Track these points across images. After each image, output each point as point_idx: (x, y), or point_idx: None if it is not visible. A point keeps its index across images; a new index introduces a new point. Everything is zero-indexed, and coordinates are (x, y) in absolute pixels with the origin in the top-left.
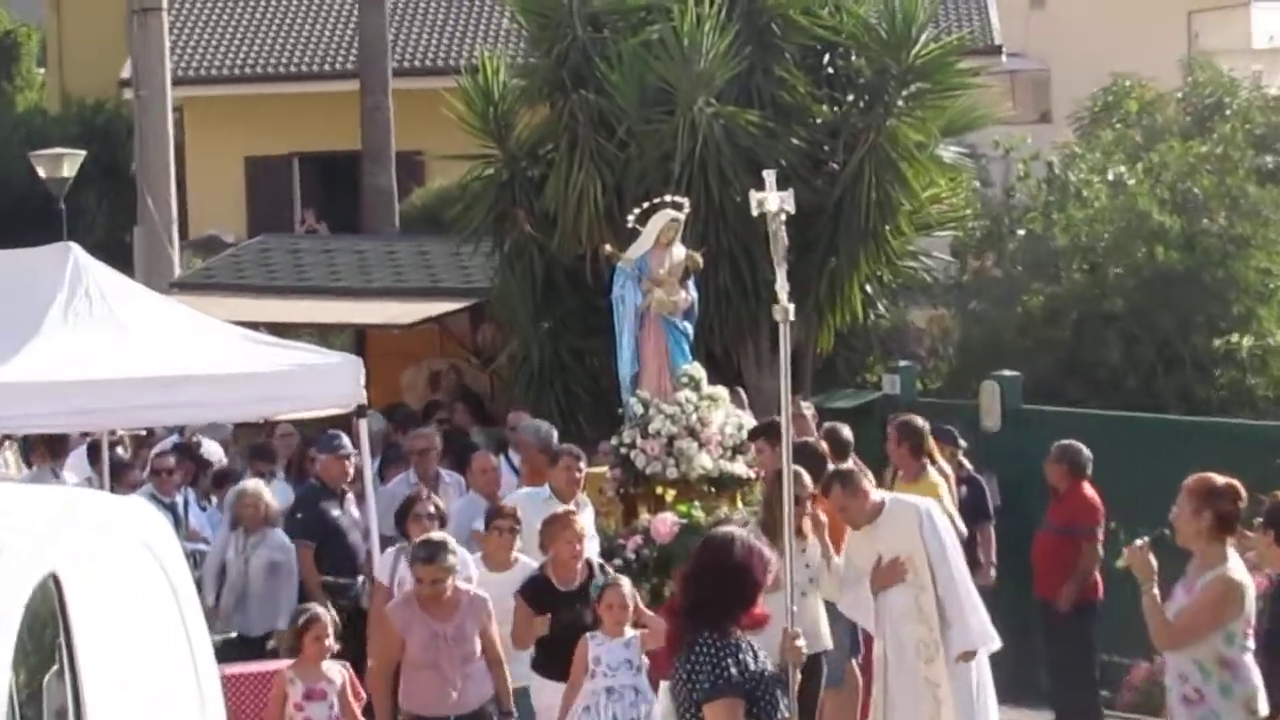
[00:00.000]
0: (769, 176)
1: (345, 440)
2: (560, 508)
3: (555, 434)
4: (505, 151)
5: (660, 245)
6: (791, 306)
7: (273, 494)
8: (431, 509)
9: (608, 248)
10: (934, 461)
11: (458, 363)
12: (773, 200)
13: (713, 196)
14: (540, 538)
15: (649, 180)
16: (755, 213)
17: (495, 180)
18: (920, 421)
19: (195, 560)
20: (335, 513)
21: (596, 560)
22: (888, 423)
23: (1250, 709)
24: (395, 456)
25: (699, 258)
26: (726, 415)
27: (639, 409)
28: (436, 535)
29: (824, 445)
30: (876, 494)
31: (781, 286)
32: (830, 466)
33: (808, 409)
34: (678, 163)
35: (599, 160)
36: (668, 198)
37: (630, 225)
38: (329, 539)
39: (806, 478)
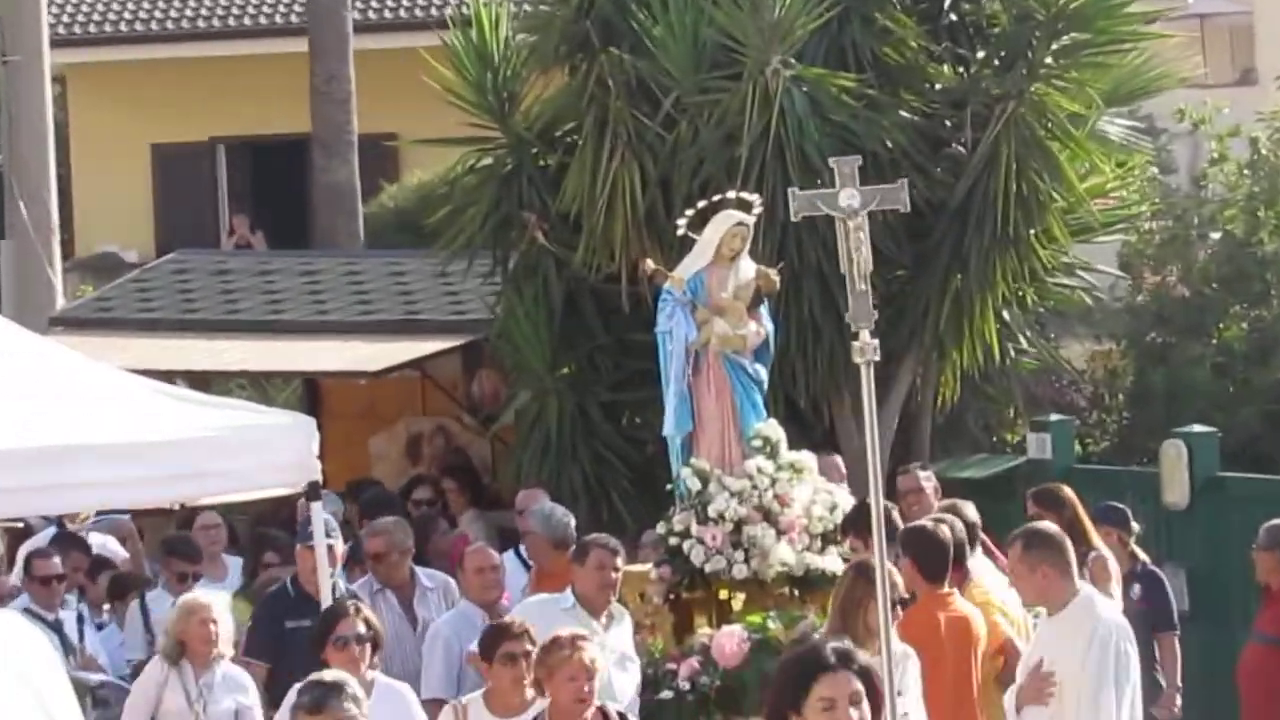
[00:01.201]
0: (842, 167)
1: (328, 519)
2: (577, 626)
3: (573, 521)
4: (509, 133)
5: (722, 260)
6: (875, 343)
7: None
8: (362, 627)
9: (650, 264)
10: (1086, 542)
11: (446, 423)
12: (847, 197)
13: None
14: (535, 671)
15: (706, 171)
16: (795, 217)
17: (496, 173)
18: (1067, 493)
19: (93, 699)
20: (307, 624)
21: (617, 710)
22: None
23: None
24: (359, 554)
25: (775, 276)
26: (815, 492)
27: (694, 484)
28: (331, 675)
29: (945, 530)
30: (1076, 583)
31: (862, 315)
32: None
33: (926, 480)
34: (745, 146)
35: (638, 144)
36: (731, 194)
37: (680, 233)
38: (288, 658)
39: (896, 576)
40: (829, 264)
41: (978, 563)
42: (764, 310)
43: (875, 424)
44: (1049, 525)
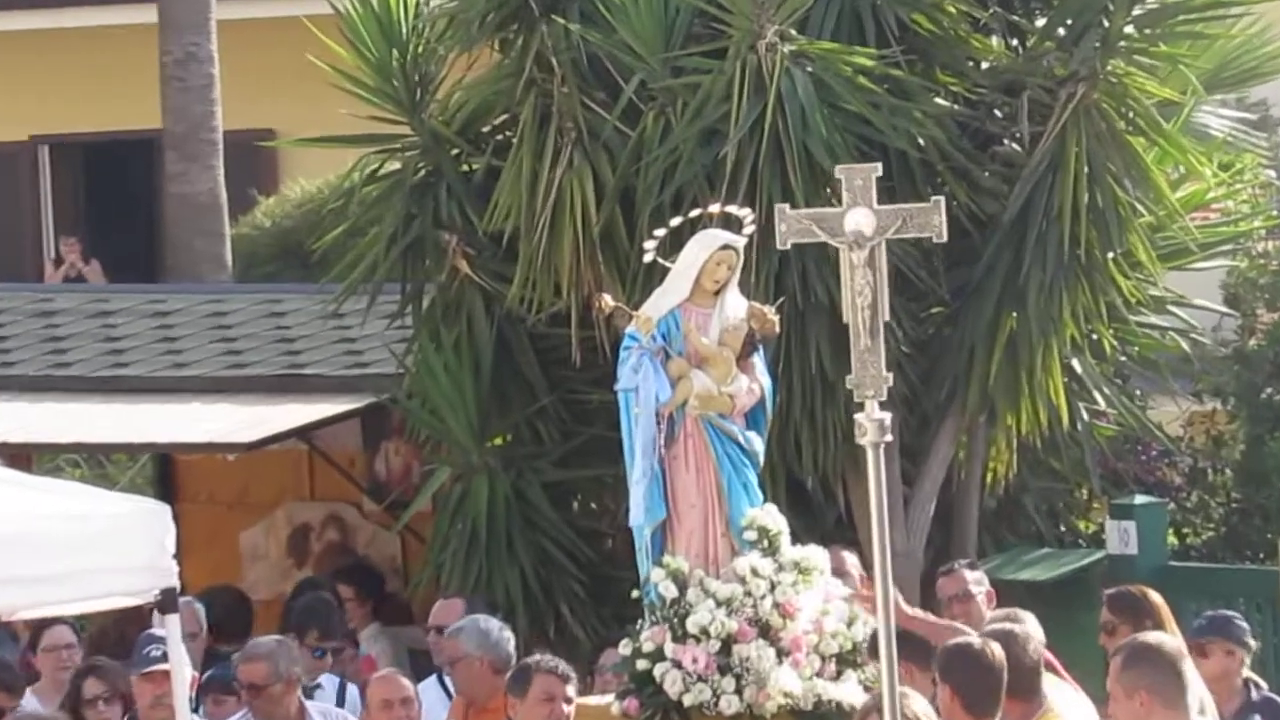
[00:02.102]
0: (852, 179)
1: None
2: None
3: (512, 639)
4: (422, 130)
5: (704, 295)
6: (885, 419)
7: None
8: None
9: (608, 300)
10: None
11: (342, 511)
12: (856, 219)
13: (796, 204)
14: None
15: (681, 177)
16: (782, 245)
17: (405, 181)
18: (1153, 599)
19: None
20: None
21: None
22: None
23: None
24: (223, 682)
25: (773, 316)
26: (827, 600)
27: (669, 590)
28: None
29: (995, 650)
30: (1188, 716)
31: (869, 381)
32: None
33: (975, 584)
34: (731, 145)
35: (591, 143)
36: (715, 208)
37: (648, 259)
38: None
39: (917, 705)
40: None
41: (1059, 692)
42: (759, 361)
43: (885, 518)
44: (1161, 638)
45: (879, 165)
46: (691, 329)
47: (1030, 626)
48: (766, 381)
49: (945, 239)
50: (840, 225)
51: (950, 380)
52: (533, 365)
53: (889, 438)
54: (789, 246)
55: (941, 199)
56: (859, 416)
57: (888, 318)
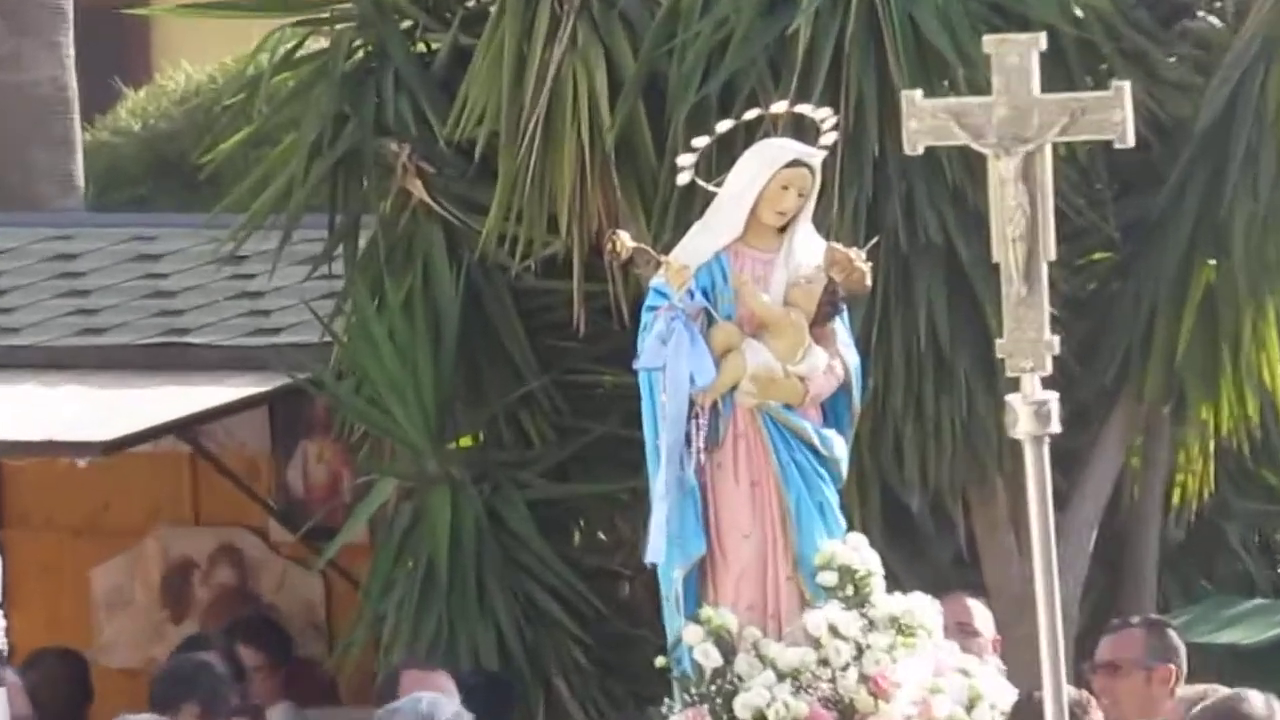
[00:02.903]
0: (1004, 53)
1: None
2: None
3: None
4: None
5: (763, 232)
6: (1050, 400)
7: None
8: None
9: (625, 240)
10: None
11: (239, 539)
12: (1010, 112)
13: (893, 101)
14: None
15: (734, 63)
16: (911, 148)
17: (334, 68)
18: None
19: None
20: None
21: None
22: None
23: None
24: None
25: (863, 265)
26: (939, 671)
27: (709, 656)
28: None
29: None
30: None
31: (1022, 348)
32: None
33: (1155, 650)
34: (805, 16)
35: (603, 10)
36: (779, 107)
37: (683, 180)
38: None
39: None
40: (967, 242)
41: None
42: (842, 328)
43: (1051, 545)
44: None
45: (1041, 37)
46: (746, 281)
47: (1255, 705)
48: (853, 358)
49: (1130, 143)
50: (988, 121)
51: (1120, 356)
52: (517, 333)
53: (1054, 427)
54: (919, 150)
55: (1126, 85)
56: (1012, 399)
57: (1052, 256)
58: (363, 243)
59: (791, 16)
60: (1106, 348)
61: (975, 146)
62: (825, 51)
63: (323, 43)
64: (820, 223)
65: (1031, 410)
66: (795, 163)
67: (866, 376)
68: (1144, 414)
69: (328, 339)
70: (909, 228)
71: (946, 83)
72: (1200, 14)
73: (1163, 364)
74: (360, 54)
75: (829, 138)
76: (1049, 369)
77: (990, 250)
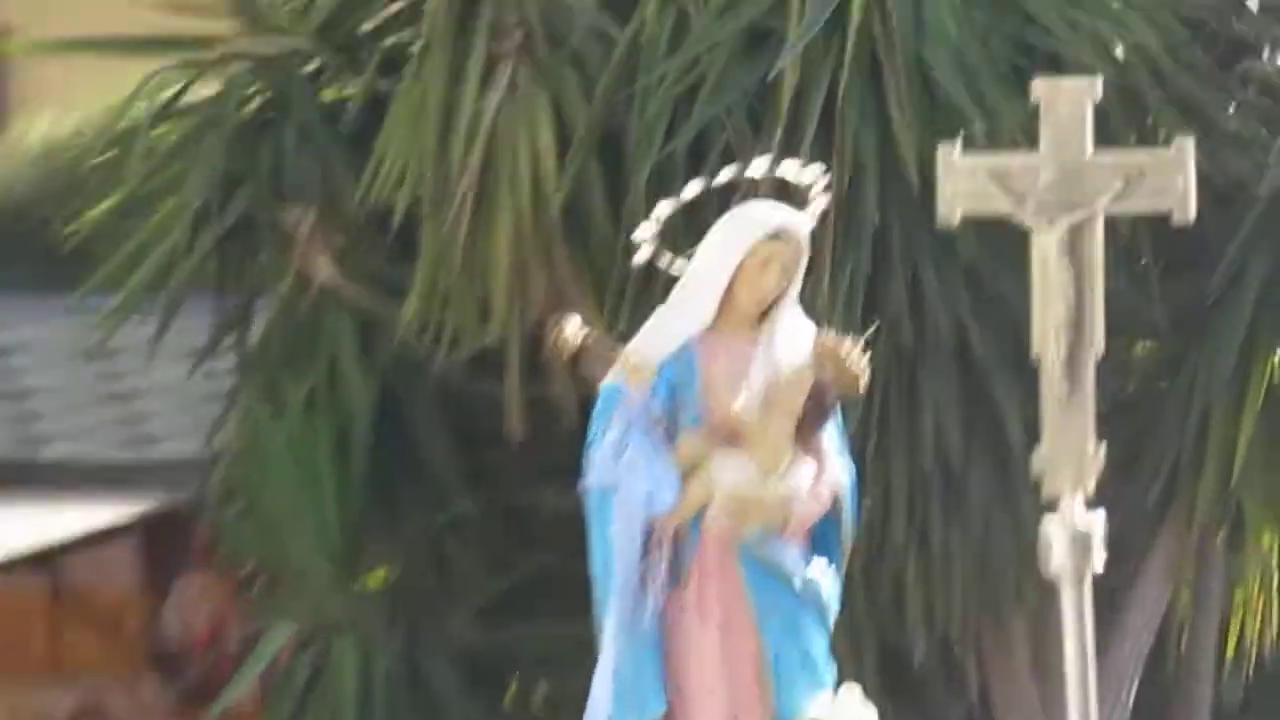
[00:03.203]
0: (1052, 98)
1: None
2: None
3: None
4: (258, 28)
5: (739, 318)
6: (1095, 524)
7: None
8: None
9: (574, 329)
10: None
11: (105, 696)
12: (1058, 173)
13: (896, 159)
14: None
15: (706, 112)
16: (947, 218)
17: (226, 118)
18: None
19: None
20: None
21: None
22: None
23: None
24: None
25: (858, 359)
26: None
27: None
28: None
29: None
30: None
31: (1061, 458)
32: None
33: None
34: (790, 55)
35: (550, 51)
36: (761, 165)
37: (643, 256)
38: None
39: None
40: (983, 334)
41: None
42: (832, 438)
43: (1091, 702)
44: None
45: (1097, 83)
46: (718, 381)
47: None
48: (846, 475)
49: (1189, 217)
50: (1032, 185)
51: (1166, 470)
52: (442, 443)
53: (1098, 563)
54: (956, 219)
55: (1188, 143)
56: (1049, 525)
57: (1101, 350)
58: (256, 332)
59: (775, 58)
60: (1150, 460)
61: (1016, 216)
62: (815, 100)
63: (211, 89)
64: (808, 308)
65: (1070, 539)
66: (778, 234)
67: (861, 499)
68: (1195, 541)
69: (213, 452)
70: (915, 316)
71: (966, 132)
72: (1266, 54)
73: (1217, 480)
74: (256, 102)
75: (819, 204)
76: (1092, 488)
77: (1012, 346)
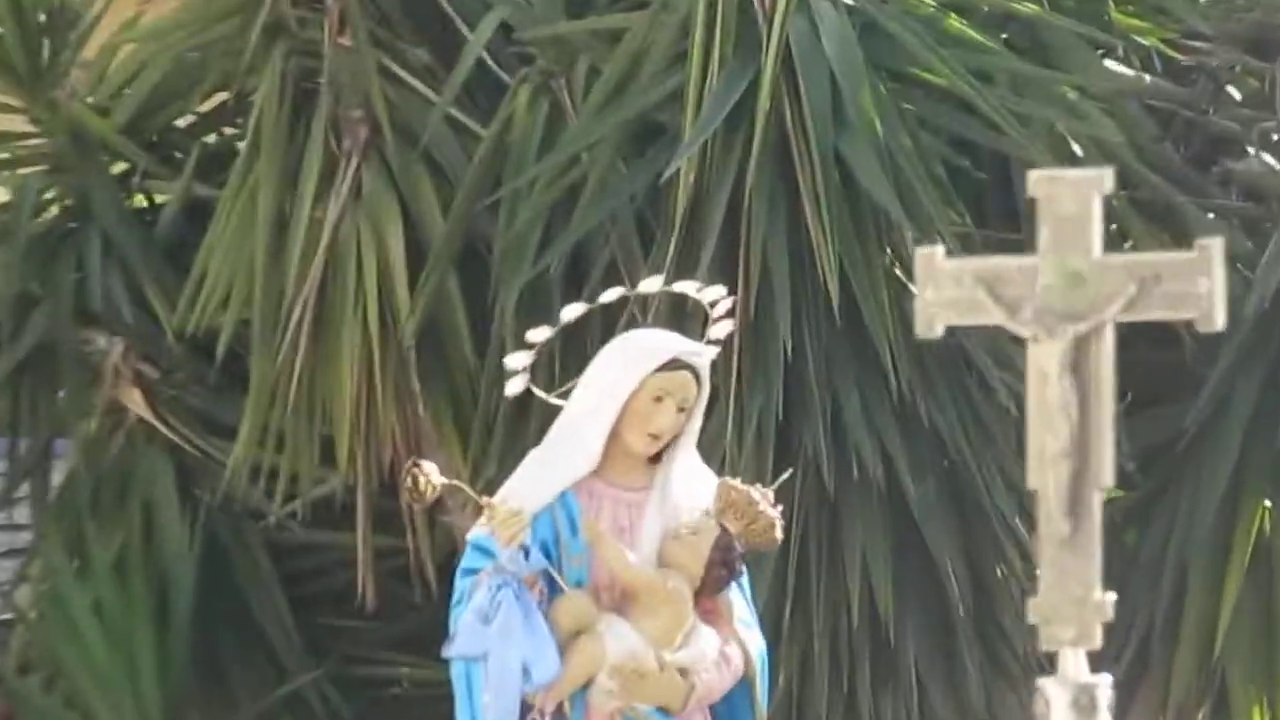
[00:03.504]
0: (1054, 191)
1: None
2: None
3: None
4: (55, 121)
5: (627, 462)
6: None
7: None
8: None
9: (432, 474)
10: None
11: None
12: (1062, 277)
13: (810, 276)
14: None
15: (587, 220)
16: (926, 330)
17: (19, 225)
18: None
19: None
20: None
21: None
22: None
23: None
24: None
25: (768, 507)
26: None
27: None
28: None
29: None
30: None
31: (1059, 616)
32: None
33: None
34: (686, 152)
35: (401, 148)
36: (651, 283)
37: (514, 389)
38: None
39: None
40: (917, 474)
41: None
42: (740, 599)
43: None
44: None
45: (1108, 175)
46: (603, 534)
47: None
48: (758, 642)
49: (1218, 325)
50: (1030, 292)
51: (1138, 637)
52: (277, 608)
53: None
54: (937, 332)
55: (1217, 243)
56: (1049, 686)
57: (1108, 482)
58: (58, 479)
59: (669, 156)
60: (1119, 624)
61: (1010, 327)
62: (717, 204)
63: (1, 194)
64: (711, 449)
65: (1072, 702)
66: (674, 364)
67: (775, 669)
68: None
69: (7, 615)
70: (837, 456)
71: (888, 250)
72: (1250, 151)
73: (1197, 651)
74: (54, 209)
75: (722, 328)
76: (1098, 641)
77: (947, 483)
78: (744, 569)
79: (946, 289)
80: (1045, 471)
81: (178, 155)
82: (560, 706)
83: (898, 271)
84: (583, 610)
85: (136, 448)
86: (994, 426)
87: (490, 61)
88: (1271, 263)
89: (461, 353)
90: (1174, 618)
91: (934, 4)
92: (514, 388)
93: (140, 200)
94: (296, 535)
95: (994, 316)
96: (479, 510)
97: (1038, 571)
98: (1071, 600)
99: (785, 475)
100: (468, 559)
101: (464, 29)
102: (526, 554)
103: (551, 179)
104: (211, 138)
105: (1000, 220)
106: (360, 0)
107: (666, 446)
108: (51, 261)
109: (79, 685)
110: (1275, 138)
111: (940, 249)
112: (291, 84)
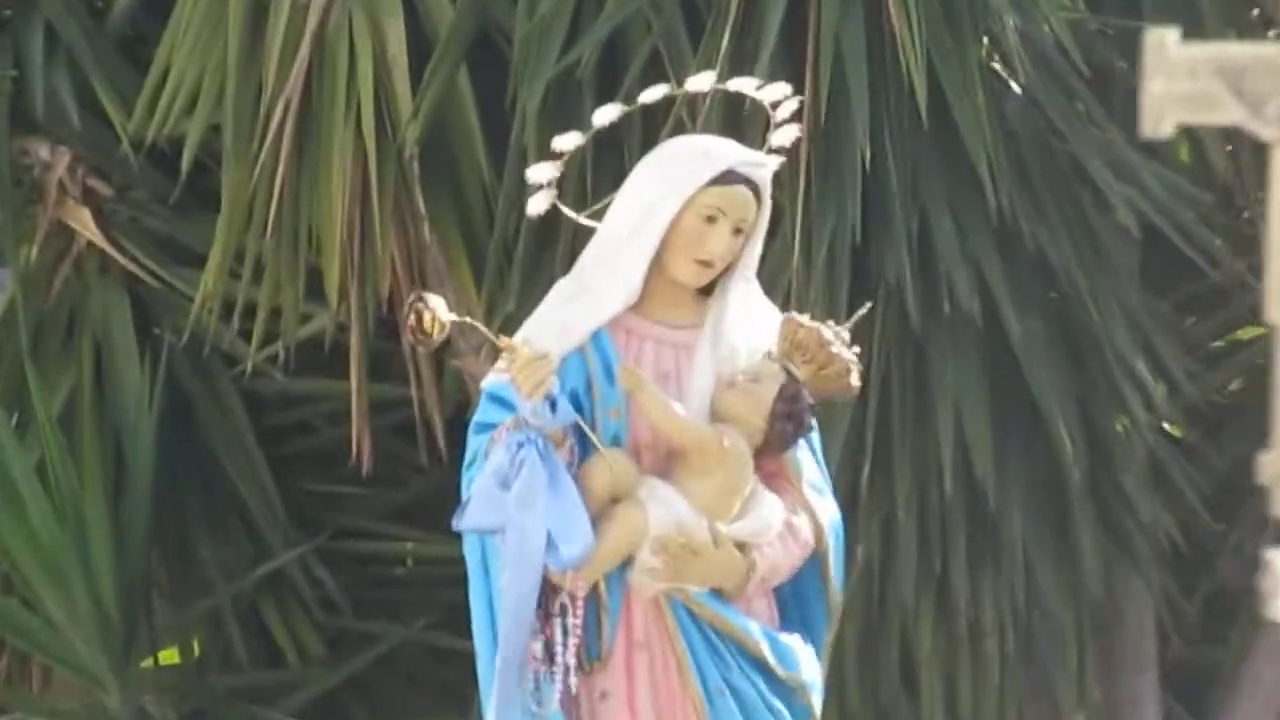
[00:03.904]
0: None
1: None
2: None
3: None
4: None
5: (673, 294)
6: None
7: None
8: None
9: (438, 309)
10: None
11: None
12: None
13: (893, 78)
14: None
15: (619, 12)
16: (1154, 130)
17: None
18: None
19: None
20: None
21: None
22: None
23: None
24: None
25: (844, 347)
26: None
27: None
28: None
29: None
30: None
31: None
32: None
33: None
34: None
35: None
36: (702, 80)
37: (537, 210)
38: None
39: None
40: (1021, 308)
41: None
42: (810, 460)
43: None
44: None
45: None
46: (643, 381)
47: None
48: (831, 511)
49: None
50: (1276, 85)
51: None
52: (255, 470)
53: None
54: (1167, 130)
55: None
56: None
57: None
58: None
59: None
60: None
61: (1251, 128)
62: None
63: None
64: (773, 281)
65: None
66: (729, 176)
67: (852, 543)
68: None
69: None
70: (924, 286)
71: (985, 39)
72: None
73: None
74: None
75: (786, 133)
76: None
77: (1058, 324)
78: (814, 423)
79: (1180, 81)
80: None
81: None
82: (594, 588)
83: (996, 64)
84: (620, 473)
85: (86, 278)
86: (1112, 251)
87: None
88: None
89: (474, 164)
90: None
91: None
92: (537, 206)
93: None
94: (277, 383)
95: (1233, 114)
96: (496, 353)
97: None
98: None
99: (863, 309)
100: (482, 412)
101: None
102: (553, 405)
103: None
104: None
105: (1118, 3)
106: None
107: (720, 276)
108: None
109: (18, 567)
110: None
111: (1173, 34)
112: None
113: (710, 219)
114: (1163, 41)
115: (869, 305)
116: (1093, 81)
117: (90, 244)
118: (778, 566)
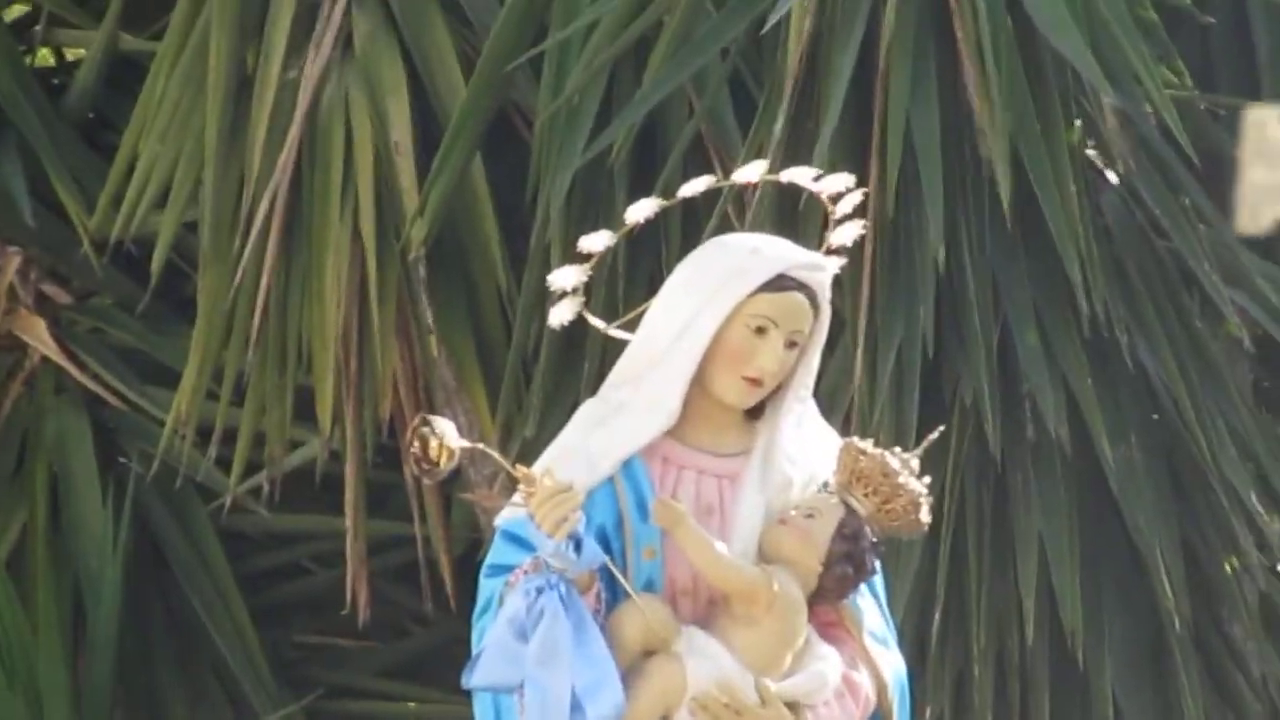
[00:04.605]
0: None
1: None
2: None
3: None
4: None
5: (717, 415)
6: None
7: None
8: None
9: (447, 434)
10: None
11: None
12: None
13: (967, 160)
14: None
15: (663, 81)
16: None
17: None
18: None
19: None
20: None
21: None
22: None
23: None
24: None
25: (911, 478)
26: None
27: None
28: None
29: None
30: None
31: None
32: None
33: None
34: (798, 8)
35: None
36: (754, 169)
37: (560, 319)
38: None
39: None
40: (1114, 433)
41: None
42: (873, 607)
43: None
44: None
45: None
46: (682, 517)
47: None
48: (895, 664)
49: None
50: None
51: None
52: (237, 623)
53: None
54: (1260, 228)
55: None
56: None
57: None
58: None
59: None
60: None
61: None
62: (842, 61)
63: None
64: (831, 402)
65: None
66: (782, 282)
67: (919, 701)
68: None
69: None
70: (1006, 408)
71: (1078, 124)
72: None
73: None
74: None
75: (848, 232)
76: None
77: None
78: (877, 565)
79: None
80: None
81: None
82: None
83: (1090, 150)
84: (656, 621)
85: (41, 399)
86: (1222, 367)
87: None
88: None
89: (489, 268)
90: None
91: None
92: (561, 315)
93: (45, 56)
94: (262, 520)
95: None
96: (512, 485)
97: None
98: None
99: (935, 434)
100: (496, 553)
101: None
102: (578, 545)
103: (613, 27)
104: None
105: (1233, 79)
106: None
107: (771, 396)
108: None
109: None
110: None
111: (1277, 114)
112: None
113: (760, 330)
114: (1264, 121)
115: (942, 429)
116: (1201, 170)
117: (45, 359)
118: None
